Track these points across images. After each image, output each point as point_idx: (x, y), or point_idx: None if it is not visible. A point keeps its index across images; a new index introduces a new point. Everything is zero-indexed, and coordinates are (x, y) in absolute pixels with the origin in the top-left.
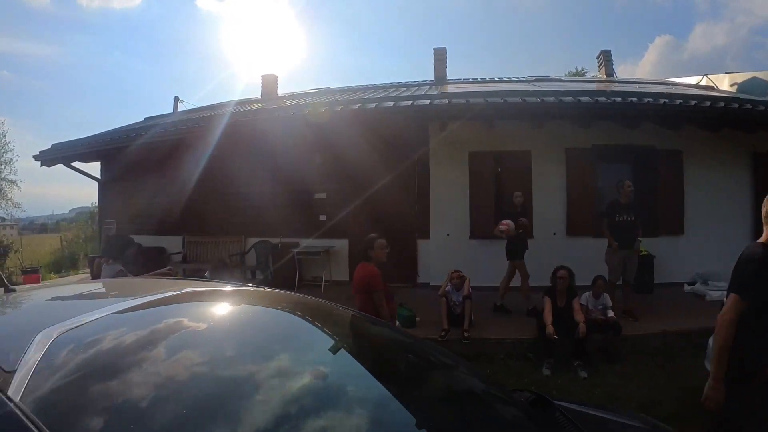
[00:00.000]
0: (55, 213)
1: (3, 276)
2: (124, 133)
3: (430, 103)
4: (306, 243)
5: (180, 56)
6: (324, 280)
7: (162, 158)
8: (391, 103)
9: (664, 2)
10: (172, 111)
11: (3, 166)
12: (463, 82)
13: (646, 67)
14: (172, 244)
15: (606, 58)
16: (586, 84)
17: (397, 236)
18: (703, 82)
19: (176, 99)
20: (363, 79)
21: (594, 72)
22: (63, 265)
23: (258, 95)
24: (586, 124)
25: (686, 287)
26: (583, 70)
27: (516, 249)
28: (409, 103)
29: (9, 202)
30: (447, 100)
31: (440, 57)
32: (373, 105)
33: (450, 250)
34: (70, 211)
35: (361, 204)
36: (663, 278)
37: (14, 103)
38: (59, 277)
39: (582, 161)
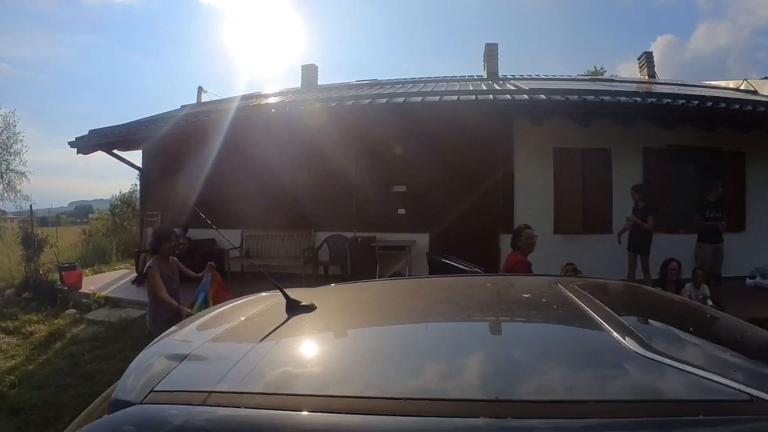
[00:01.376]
0: (54, 206)
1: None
2: (169, 120)
3: (512, 98)
4: (383, 237)
5: (181, 50)
6: (405, 275)
7: (215, 147)
8: (472, 96)
9: (666, 1)
10: (195, 101)
11: (12, 157)
12: (516, 79)
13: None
14: (230, 237)
15: (648, 60)
16: (644, 85)
17: (480, 231)
18: (742, 86)
19: (200, 89)
20: (375, 75)
21: (610, 71)
22: (88, 260)
23: (266, 89)
24: (670, 126)
25: (748, 281)
26: (602, 69)
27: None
28: (490, 97)
29: (18, 194)
30: (528, 96)
31: (492, 52)
32: (454, 98)
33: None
34: (69, 204)
35: (443, 198)
36: (726, 272)
37: (14, 96)
38: (93, 273)
39: (657, 161)
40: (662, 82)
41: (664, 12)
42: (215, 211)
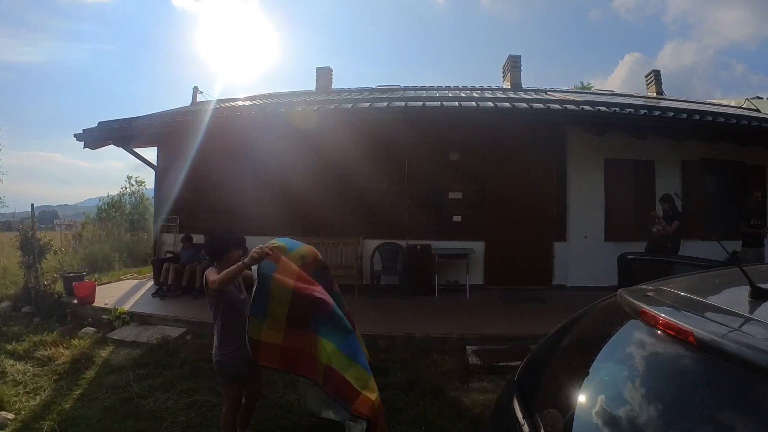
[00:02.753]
0: (18, 211)
1: None
2: (193, 115)
3: (565, 108)
4: (437, 245)
5: (153, 53)
6: (466, 284)
7: (245, 146)
8: (525, 105)
9: (636, 21)
10: (190, 102)
11: None
12: (546, 91)
13: (615, 82)
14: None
15: (656, 77)
16: (670, 102)
17: (534, 238)
18: (744, 105)
19: (195, 89)
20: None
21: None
22: (81, 269)
23: (255, 91)
24: (712, 140)
25: None
26: (589, 85)
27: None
28: (542, 106)
29: None
30: (579, 108)
31: (515, 64)
32: (508, 104)
33: (587, 252)
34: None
35: (498, 205)
36: None
37: None
38: (96, 281)
39: (693, 172)
40: (673, 98)
41: (633, 31)
42: (248, 218)
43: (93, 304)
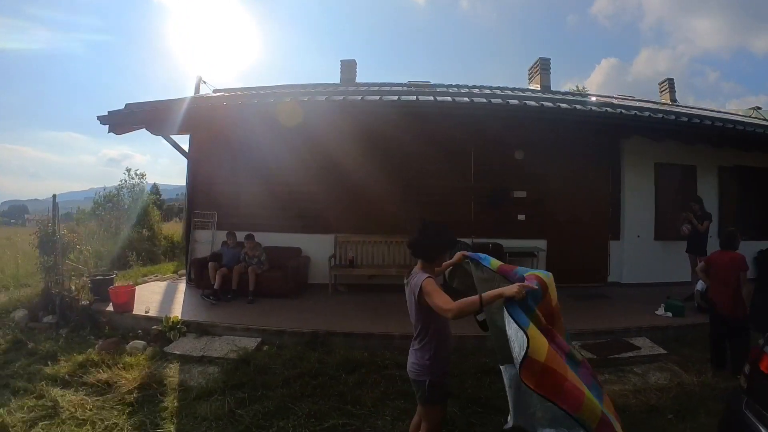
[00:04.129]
0: None
1: None
2: (234, 99)
3: (621, 113)
4: (504, 244)
5: (133, 46)
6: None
7: (291, 137)
8: (587, 107)
9: (613, 27)
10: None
11: None
12: (577, 94)
13: (591, 87)
14: (314, 244)
15: (670, 85)
16: (689, 110)
17: (591, 237)
18: (753, 115)
19: (199, 79)
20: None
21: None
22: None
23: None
24: (747, 148)
25: None
26: (585, 89)
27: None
28: (602, 109)
29: None
30: (634, 113)
31: (545, 66)
32: (567, 105)
33: (639, 250)
34: (2, 204)
35: (559, 204)
36: None
37: None
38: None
39: (728, 178)
40: (687, 106)
41: (609, 37)
42: (301, 214)
43: (133, 312)
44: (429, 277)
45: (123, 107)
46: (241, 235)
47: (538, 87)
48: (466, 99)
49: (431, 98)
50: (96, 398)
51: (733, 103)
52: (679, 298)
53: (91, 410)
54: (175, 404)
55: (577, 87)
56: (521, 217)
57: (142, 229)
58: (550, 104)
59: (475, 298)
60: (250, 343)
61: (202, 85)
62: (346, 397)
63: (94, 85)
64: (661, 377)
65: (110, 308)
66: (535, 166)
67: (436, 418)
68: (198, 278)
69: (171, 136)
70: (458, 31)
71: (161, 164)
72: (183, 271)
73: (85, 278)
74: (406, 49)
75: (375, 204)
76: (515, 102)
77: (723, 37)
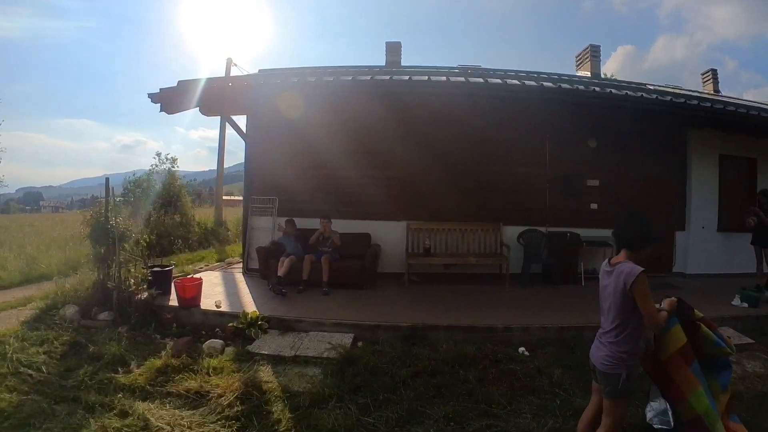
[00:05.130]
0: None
1: None
2: (277, 78)
3: (698, 104)
4: (576, 233)
5: (138, 31)
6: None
7: (366, 120)
8: (654, 96)
9: (629, 13)
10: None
11: None
12: (632, 83)
13: (607, 74)
14: (382, 232)
15: (714, 76)
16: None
17: (658, 227)
18: None
19: (229, 61)
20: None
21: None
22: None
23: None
24: None
25: None
26: (612, 76)
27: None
28: (669, 99)
29: None
30: (709, 104)
31: (595, 53)
32: (639, 94)
33: (703, 241)
34: (17, 191)
35: (629, 194)
36: None
37: None
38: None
39: None
40: (727, 96)
41: (626, 23)
42: (366, 200)
43: (201, 307)
44: (643, 271)
45: (176, 84)
46: (300, 223)
47: (587, 74)
48: (534, 83)
49: (499, 81)
50: (191, 412)
51: (751, 93)
52: (752, 289)
53: (190, 429)
54: (288, 415)
55: (605, 75)
56: (594, 206)
57: (174, 215)
58: (621, 93)
59: (664, 314)
60: (344, 339)
61: (232, 68)
62: (477, 396)
63: (108, 72)
64: (756, 365)
65: (173, 302)
66: (607, 155)
67: (622, 413)
68: (263, 268)
69: (223, 116)
70: (469, 15)
71: (174, 150)
72: (231, 260)
73: (144, 270)
74: (419, 34)
75: (447, 191)
76: (596, 89)
77: (741, 25)
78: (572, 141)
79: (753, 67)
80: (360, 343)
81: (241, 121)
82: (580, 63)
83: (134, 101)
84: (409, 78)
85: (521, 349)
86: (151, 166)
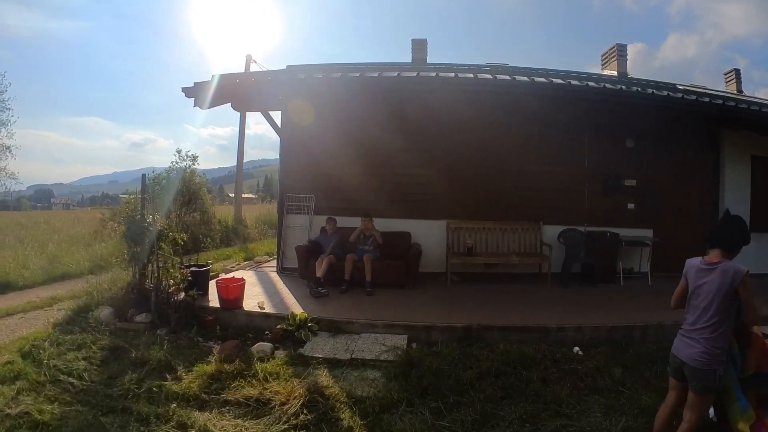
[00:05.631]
0: (11, 190)
1: None
2: (340, 72)
3: (736, 106)
4: (615, 232)
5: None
6: (647, 272)
7: (404, 117)
8: (693, 97)
9: (640, 11)
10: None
11: None
12: (661, 83)
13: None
14: (422, 231)
15: (737, 76)
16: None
17: (689, 227)
18: None
19: (249, 58)
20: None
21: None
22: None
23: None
24: None
25: None
26: (631, 75)
27: None
28: (707, 100)
29: (2, 172)
30: (746, 106)
31: (622, 53)
32: (679, 95)
33: None
34: (28, 188)
35: (663, 194)
36: None
37: None
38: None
39: None
40: (755, 97)
41: (636, 21)
42: (402, 198)
43: (244, 308)
44: (747, 270)
45: (210, 78)
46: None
47: (614, 73)
48: (577, 82)
49: (544, 80)
50: (254, 422)
51: (763, 92)
52: None
53: None
54: (359, 421)
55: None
56: (631, 205)
57: (194, 212)
58: (663, 93)
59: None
60: (399, 341)
61: (252, 65)
62: (545, 397)
63: (119, 71)
64: None
65: (213, 303)
66: (644, 155)
67: (707, 408)
68: (303, 268)
69: (252, 113)
70: (475, 12)
71: (184, 148)
72: (259, 258)
73: (184, 270)
74: (423, 32)
75: (486, 189)
76: (638, 89)
77: (753, 23)
78: (610, 141)
79: (765, 66)
80: (414, 345)
81: (254, 118)
82: (606, 62)
83: (144, 99)
84: (455, 75)
85: (576, 348)
86: (171, 163)
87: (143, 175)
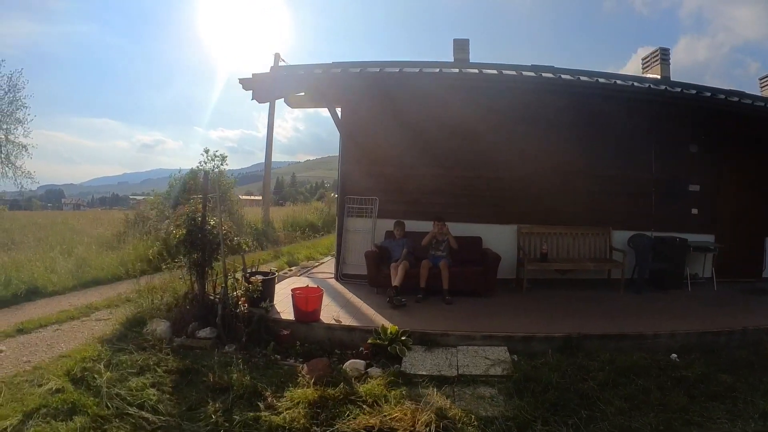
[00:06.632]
0: (27, 189)
1: None
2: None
3: None
4: (683, 238)
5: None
6: (712, 277)
7: (470, 119)
8: (762, 104)
9: (651, 14)
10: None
11: (13, 126)
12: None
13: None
14: (492, 236)
15: None
16: None
17: (747, 233)
18: None
19: (277, 56)
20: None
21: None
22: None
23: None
24: None
25: None
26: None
27: None
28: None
29: (18, 171)
30: None
31: (665, 57)
32: (749, 101)
33: None
34: (38, 188)
35: (724, 199)
36: None
37: None
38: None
39: None
40: None
41: (647, 24)
42: (471, 201)
43: (323, 321)
44: None
45: (269, 70)
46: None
47: (657, 77)
48: (643, 85)
49: (627, 83)
50: None
51: None
52: None
53: None
54: None
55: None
56: (694, 211)
57: (222, 214)
58: (736, 98)
59: None
60: (500, 353)
61: (280, 63)
62: (670, 406)
63: (130, 71)
64: None
65: (284, 316)
66: (706, 161)
67: None
68: (374, 275)
69: (329, 107)
70: (488, 13)
71: (193, 150)
72: (305, 263)
73: (254, 278)
74: (434, 33)
75: (556, 193)
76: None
77: (764, 26)
78: (675, 146)
79: None
80: (515, 357)
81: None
82: (647, 66)
83: (154, 100)
84: (539, 74)
85: (673, 355)
86: (199, 163)
87: (205, 173)
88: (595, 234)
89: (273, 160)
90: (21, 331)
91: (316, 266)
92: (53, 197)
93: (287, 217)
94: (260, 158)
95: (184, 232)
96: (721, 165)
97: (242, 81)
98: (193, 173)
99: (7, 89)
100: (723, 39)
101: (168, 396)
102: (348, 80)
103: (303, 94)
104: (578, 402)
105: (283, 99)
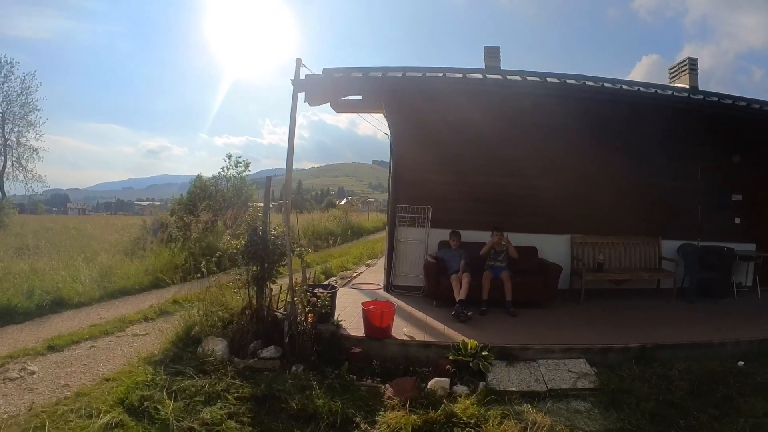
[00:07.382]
0: (28, 194)
1: None
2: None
3: None
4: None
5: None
6: (756, 286)
7: (524, 126)
8: None
9: (655, 22)
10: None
11: (25, 129)
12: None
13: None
14: (546, 246)
15: None
16: None
17: None
18: None
19: (299, 62)
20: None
21: None
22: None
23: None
24: None
25: None
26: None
27: None
28: None
29: (29, 174)
30: None
31: (693, 67)
32: None
33: None
34: (44, 192)
35: (764, 209)
36: None
37: None
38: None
39: None
40: None
41: (652, 32)
42: (525, 210)
43: (395, 337)
44: None
45: (321, 72)
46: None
47: (686, 86)
48: (693, 96)
49: (683, 94)
50: None
51: None
52: None
53: None
54: None
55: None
56: (737, 220)
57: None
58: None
59: None
60: (581, 365)
61: (302, 69)
62: (756, 411)
63: (136, 76)
64: None
65: (353, 332)
66: (749, 171)
67: None
68: (433, 287)
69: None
70: (495, 21)
71: (198, 156)
72: (345, 273)
73: (322, 293)
74: (441, 41)
75: (608, 203)
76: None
77: None
78: (718, 156)
79: None
80: (594, 368)
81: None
82: (675, 76)
83: (160, 107)
84: (582, 83)
85: (740, 362)
86: (221, 169)
87: (267, 177)
88: (646, 243)
89: (275, 167)
90: (52, 348)
91: (355, 276)
92: (58, 202)
93: (308, 225)
94: (264, 165)
95: (244, 242)
96: (763, 175)
97: (293, 81)
98: (215, 178)
99: (19, 91)
100: (727, 46)
101: (250, 429)
102: (403, 84)
103: (360, 98)
104: (673, 412)
105: (329, 103)
